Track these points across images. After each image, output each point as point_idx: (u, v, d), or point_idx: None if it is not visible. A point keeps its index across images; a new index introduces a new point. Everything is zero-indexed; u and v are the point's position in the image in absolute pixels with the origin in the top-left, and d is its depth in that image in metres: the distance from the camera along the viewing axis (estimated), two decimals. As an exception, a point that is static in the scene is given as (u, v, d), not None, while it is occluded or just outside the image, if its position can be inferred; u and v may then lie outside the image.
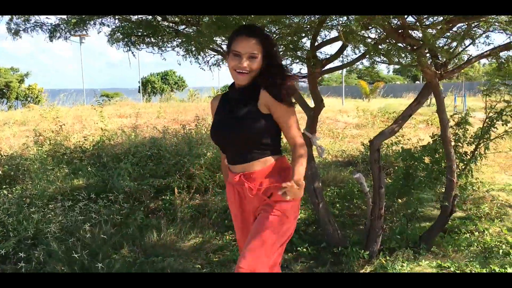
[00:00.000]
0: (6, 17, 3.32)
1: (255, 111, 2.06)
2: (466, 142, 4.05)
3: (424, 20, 2.79)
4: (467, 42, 3.49)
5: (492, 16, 2.78)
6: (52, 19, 3.31)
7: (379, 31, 2.91)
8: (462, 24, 3.11)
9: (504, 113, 3.80)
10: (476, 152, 3.94)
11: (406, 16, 2.87)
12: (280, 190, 1.94)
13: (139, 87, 31.97)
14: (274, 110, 2.05)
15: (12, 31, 3.17)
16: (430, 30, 2.74)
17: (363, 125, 8.47)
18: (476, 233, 4.10)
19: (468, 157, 3.95)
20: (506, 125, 3.80)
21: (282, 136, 2.19)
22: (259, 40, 2.04)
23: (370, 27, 2.83)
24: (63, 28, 3.35)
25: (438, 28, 2.69)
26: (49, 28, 3.25)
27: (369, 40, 2.96)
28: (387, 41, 2.98)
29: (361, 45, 2.86)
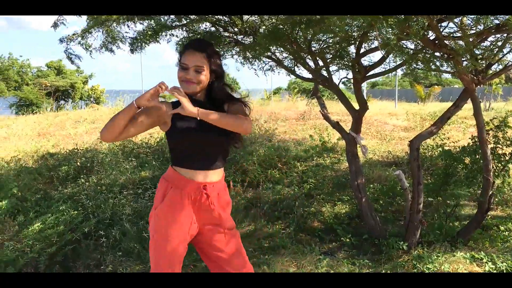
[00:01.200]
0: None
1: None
2: (505, 144, 4.25)
3: (455, 33, 3.10)
4: (505, 50, 3.76)
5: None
6: (130, 33, 3.86)
7: (416, 42, 3.23)
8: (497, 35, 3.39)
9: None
10: (514, 153, 4.14)
11: (441, 29, 3.19)
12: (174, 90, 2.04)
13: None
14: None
15: (100, 45, 3.73)
16: (460, 42, 3.03)
17: (411, 128, 8.64)
18: (515, 231, 4.29)
19: (507, 158, 4.16)
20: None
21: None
22: (205, 55, 2.13)
23: (408, 38, 3.16)
24: (139, 40, 3.90)
25: (470, 40, 2.99)
26: (129, 41, 3.81)
27: (407, 50, 3.29)
28: (424, 51, 3.30)
29: (399, 54, 3.19)
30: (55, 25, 3.63)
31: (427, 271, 3.49)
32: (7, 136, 8.27)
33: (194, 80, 2.14)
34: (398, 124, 9.09)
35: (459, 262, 3.58)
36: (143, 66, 25.31)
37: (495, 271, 3.50)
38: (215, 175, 2.20)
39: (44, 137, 7.99)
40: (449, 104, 3.90)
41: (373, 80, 50.40)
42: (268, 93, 23.30)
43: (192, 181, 2.15)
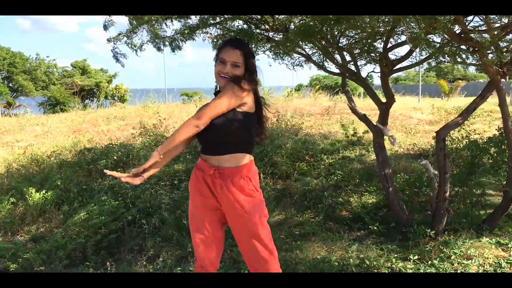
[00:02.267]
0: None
1: (236, 113, 2.28)
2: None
3: (480, 26, 3.24)
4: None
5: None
6: (168, 32, 4.10)
7: (442, 35, 3.38)
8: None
9: None
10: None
11: (466, 23, 3.34)
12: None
13: (216, 86, 33.25)
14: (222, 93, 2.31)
15: (136, 46, 3.97)
16: (487, 35, 3.17)
17: (436, 121, 8.71)
18: (540, 220, 4.39)
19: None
20: None
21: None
22: (243, 53, 2.32)
23: (435, 33, 3.31)
24: (176, 39, 4.14)
25: (495, 33, 3.13)
26: (168, 41, 4.05)
27: (434, 43, 3.44)
28: (450, 44, 3.44)
29: (426, 48, 3.34)
30: (105, 28, 3.88)
31: (453, 256, 3.64)
32: (44, 133, 8.65)
33: (230, 74, 2.31)
34: (422, 118, 9.17)
35: (485, 247, 3.72)
36: (165, 65, 25.68)
37: (521, 256, 3.64)
38: (228, 162, 2.31)
39: (79, 133, 8.34)
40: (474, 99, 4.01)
41: (395, 75, 49.92)
42: (289, 90, 23.43)
43: (206, 163, 2.34)
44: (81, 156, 6.23)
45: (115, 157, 5.93)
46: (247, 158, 2.38)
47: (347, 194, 5.28)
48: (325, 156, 6.27)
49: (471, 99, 4.20)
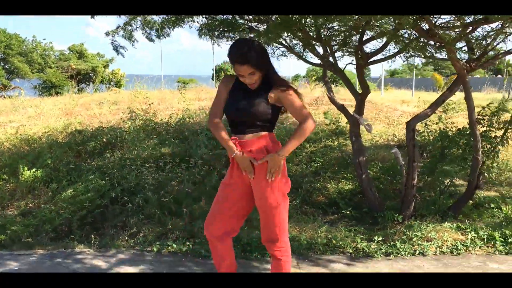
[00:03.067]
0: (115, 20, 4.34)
1: (261, 98, 2.59)
2: (498, 128, 4.59)
3: (447, 24, 3.46)
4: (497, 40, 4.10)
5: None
6: (157, 19, 4.30)
7: (410, 31, 3.60)
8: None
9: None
10: (504, 136, 4.49)
11: (434, 20, 3.56)
12: (260, 160, 2.53)
13: (213, 74, 33.38)
14: (286, 102, 2.61)
15: (132, 38, 4.18)
16: (450, 32, 3.39)
17: (420, 114, 8.94)
18: (504, 209, 4.65)
19: (497, 140, 4.51)
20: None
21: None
22: (250, 65, 2.51)
23: (403, 28, 3.53)
24: (165, 26, 4.34)
25: (457, 31, 3.35)
26: (157, 28, 4.25)
27: (403, 39, 3.66)
28: (418, 39, 3.67)
29: (394, 43, 3.56)
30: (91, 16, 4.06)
31: (414, 238, 3.90)
32: (37, 114, 8.84)
33: (253, 81, 2.58)
34: (407, 110, 9.40)
35: (445, 231, 3.98)
36: (162, 52, 25.72)
37: (477, 239, 3.90)
38: (250, 136, 2.60)
39: (71, 116, 8.52)
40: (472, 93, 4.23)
41: (392, 69, 50.10)
42: (287, 79, 23.52)
43: (235, 139, 2.63)
44: (72, 138, 6.42)
45: (104, 139, 6.13)
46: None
47: (325, 180, 5.52)
48: (308, 144, 6.49)
49: (463, 94, 4.41)
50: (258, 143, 2.60)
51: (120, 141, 6.14)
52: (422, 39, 3.74)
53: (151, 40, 4.57)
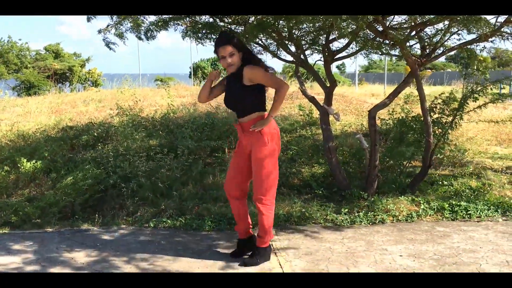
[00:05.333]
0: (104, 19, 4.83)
1: (240, 87, 3.30)
2: (448, 114, 5.27)
3: (396, 25, 4.10)
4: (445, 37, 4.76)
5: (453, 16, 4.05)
6: (145, 23, 4.82)
7: (366, 32, 4.23)
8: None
9: (475, 92, 5.00)
10: (453, 121, 5.17)
11: (387, 23, 4.19)
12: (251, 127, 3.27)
13: (190, 72, 33.72)
14: (255, 77, 3.25)
15: (123, 36, 4.69)
16: (399, 32, 4.03)
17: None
18: (456, 185, 5.34)
19: (447, 125, 5.19)
20: (475, 102, 5.01)
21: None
22: (231, 44, 3.25)
23: (359, 31, 4.15)
24: (151, 29, 4.86)
25: (406, 32, 3.99)
26: (144, 30, 4.76)
27: (361, 38, 4.28)
28: (374, 39, 4.30)
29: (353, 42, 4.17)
30: (88, 19, 4.57)
31: (376, 210, 4.54)
32: (25, 113, 9.23)
33: (232, 62, 3.26)
34: (375, 102, 10.09)
35: (401, 203, 4.64)
36: (138, 50, 26.03)
37: (428, 209, 4.56)
38: (246, 118, 3.35)
39: (59, 113, 8.96)
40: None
41: (366, 64, 51.24)
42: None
43: (237, 125, 3.46)
44: (64, 133, 6.89)
45: (95, 134, 6.61)
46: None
47: (299, 165, 6.14)
48: (284, 135, 7.10)
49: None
50: (252, 122, 3.31)
51: (110, 135, 6.63)
52: (378, 39, 4.37)
53: (140, 39, 5.07)
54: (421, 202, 4.71)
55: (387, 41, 4.43)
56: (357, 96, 11.47)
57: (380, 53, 4.61)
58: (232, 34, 3.48)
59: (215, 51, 3.34)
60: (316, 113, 7.88)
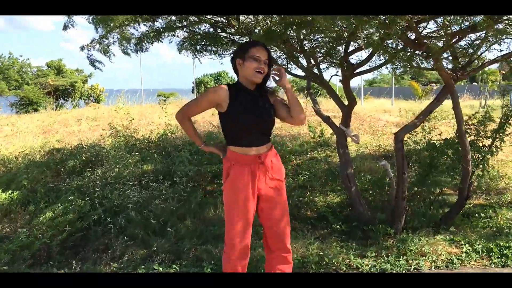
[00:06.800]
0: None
1: (270, 104, 2.70)
2: (485, 137, 4.56)
3: (434, 33, 3.41)
4: (483, 48, 4.07)
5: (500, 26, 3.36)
6: (135, 33, 4.15)
7: (397, 41, 3.54)
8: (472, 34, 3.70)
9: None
10: (492, 145, 4.45)
11: (420, 30, 3.50)
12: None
13: (193, 87, 33.21)
14: (277, 103, 2.74)
15: (109, 52, 4.01)
16: (437, 41, 3.34)
17: (403, 123, 8.94)
18: (495, 218, 4.60)
19: (486, 149, 4.47)
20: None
21: None
22: (268, 53, 2.64)
23: (390, 38, 3.46)
24: (143, 41, 4.20)
25: (444, 40, 3.29)
26: (134, 42, 4.10)
27: (389, 49, 3.59)
28: (405, 50, 3.60)
29: (381, 53, 3.49)
30: (65, 28, 3.90)
31: (409, 253, 3.80)
32: (13, 133, 8.57)
33: (265, 71, 2.61)
34: (390, 120, 9.40)
35: (439, 244, 3.89)
36: (142, 65, 25.57)
37: (472, 252, 3.81)
38: (265, 148, 2.65)
39: (49, 133, 8.29)
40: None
41: (370, 78, 50.74)
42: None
43: (248, 156, 2.60)
44: (50, 157, 6.22)
45: (83, 158, 5.93)
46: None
47: (312, 194, 5.42)
48: (294, 157, 6.40)
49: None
50: (274, 156, 2.71)
51: (101, 159, 5.95)
52: (408, 49, 3.68)
53: (126, 53, 4.40)
54: (462, 242, 3.96)
55: (419, 52, 3.73)
56: (366, 112, 10.77)
57: (409, 66, 3.92)
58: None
59: (246, 50, 2.61)
60: (327, 132, 7.19)
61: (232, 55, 2.73)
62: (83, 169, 5.75)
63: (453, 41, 3.49)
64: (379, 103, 17.58)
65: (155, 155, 6.05)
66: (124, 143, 6.53)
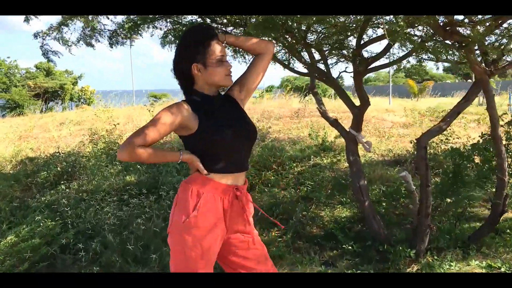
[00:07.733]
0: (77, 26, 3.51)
1: (240, 105, 2.11)
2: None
3: (473, 17, 2.76)
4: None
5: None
6: (109, 25, 3.50)
7: (425, 28, 2.90)
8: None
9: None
10: (529, 150, 3.84)
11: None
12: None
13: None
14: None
15: (69, 42, 3.35)
16: (478, 27, 2.69)
17: (410, 124, 8.33)
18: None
19: (521, 155, 3.86)
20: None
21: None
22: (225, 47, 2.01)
23: (416, 25, 2.83)
24: (119, 34, 3.54)
25: (487, 25, 2.65)
26: (108, 35, 3.44)
27: (415, 37, 2.95)
28: (434, 38, 2.96)
29: (407, 43, 2.86)
30: (27, 20, 3.24)
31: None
32: (-13, 140, 7.89)
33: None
34: (396, 120, 8.79)
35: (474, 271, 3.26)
36: (133, 66, 24.91)
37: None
38: (242, 178, 2.02)
39: (26, 140, 7.61)
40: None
41: (366, 76, 50.33)
42: (261, 91, 23.02)
43: (225, 184, 1.94)
44: (21, 167, 5.54)
45: (58, 168, 5.26)
46: None
47: (318, 207, 4.77)
48: (294, 164, 5.75)
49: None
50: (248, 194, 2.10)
51: (78, 170, 5.28)
52: (437, 38, 3.04)
53: (91, 45, 3.71)
54: (501, 267, 3.32)
55: (449, 42, 3.08)
56: (368, 112, 10.15)
57: (436, 59, 3.27)
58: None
59: (204, 51, 1.89)
60: (331, 136, 6.55)
61: (178, 60, 1.96)
62: (57, 182, 5.09)
63: (495, 26, 2.84)
64: (375, 101, 16.94)
65: (138, 165, 5.37)
66: (106, 150, 5.86)
